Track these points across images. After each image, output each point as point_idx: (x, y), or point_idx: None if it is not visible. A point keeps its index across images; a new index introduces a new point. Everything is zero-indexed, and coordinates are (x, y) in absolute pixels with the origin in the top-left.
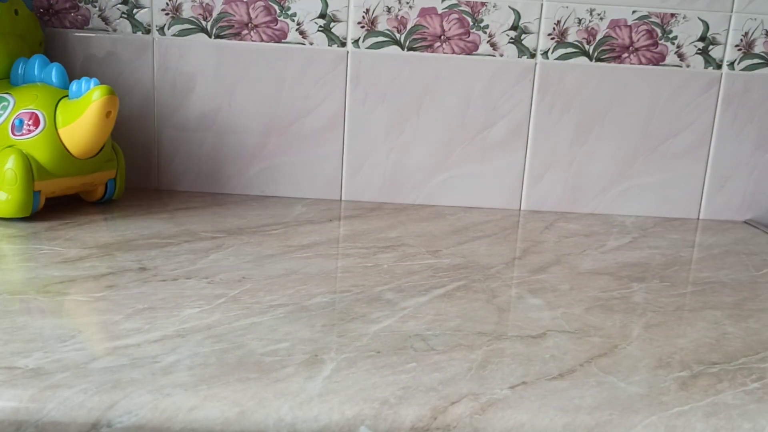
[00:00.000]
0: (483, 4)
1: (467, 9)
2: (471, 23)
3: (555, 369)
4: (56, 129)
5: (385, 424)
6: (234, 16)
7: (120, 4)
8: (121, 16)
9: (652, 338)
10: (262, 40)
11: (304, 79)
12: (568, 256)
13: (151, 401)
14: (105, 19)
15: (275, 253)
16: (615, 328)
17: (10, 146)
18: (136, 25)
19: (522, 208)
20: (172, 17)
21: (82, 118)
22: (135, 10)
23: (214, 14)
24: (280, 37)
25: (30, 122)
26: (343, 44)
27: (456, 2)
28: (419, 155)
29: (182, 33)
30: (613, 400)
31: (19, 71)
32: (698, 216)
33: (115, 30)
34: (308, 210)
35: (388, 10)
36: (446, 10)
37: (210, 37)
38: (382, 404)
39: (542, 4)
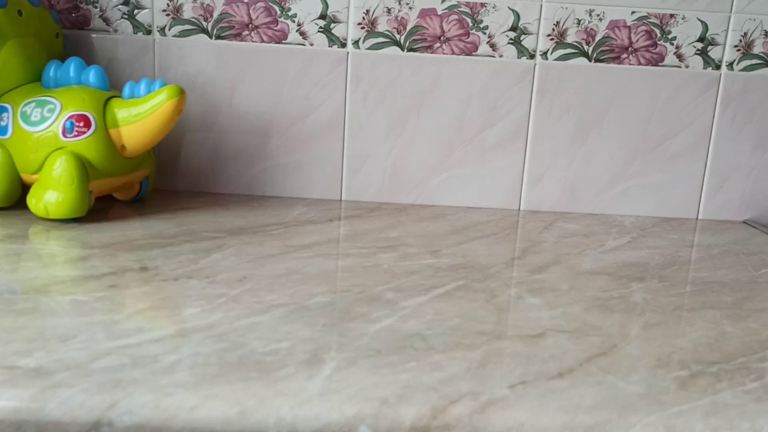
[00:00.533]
0: (482, 5)
1: (467, 10)
2: (470, 24)
3: (554, 368)
4: (106, 129)
5: (385, 423)
6: (234, 17)
7: (121, 4)
8: (122, 17)
9: (651, 338)
10: (262, 41)
11: (305, 79)
12: (567, 256)
13: (152, 400)
14: (106, 20)
15: (276, 253)
16: (614, 327)
17: (60, 148)
18: (137, 26)
19: (521, 208)
20: (173, 18)
21: (150, 117)
22: (136, 11)
23: (215, 15)
24: (280, 38)
25: (81, 124)
26: (344, 45)
27: (455, 3)
28: (419, 155)
29: (183, 34)
30: (612, 399)
31: (51, 74)
32: (697, 216)
33: (116, 31)
34: (308, 210)
35: (388, 11)
36: (446, 11)
37: (211, 37)
38: (382, 403)
39: (541, 5)
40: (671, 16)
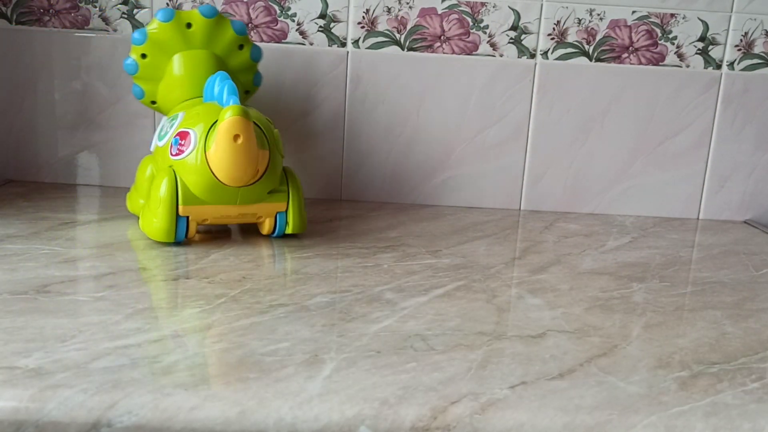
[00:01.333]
0: (483, 4)
1: (467, 9)
2: (471, 23)
3: (555, 369)
4: (205, 151)
5: (385, 423)
6: (234, 16)
7: (120, 4)
8: (121, 17)
9: (652, 338)
10: (262, 41)
11: (304, 79)
12: (567, 256)
13: (151, 401)
14: (105, 20)
15: (275, 253)
16: (615, 328)
17: (169, 166)
18: (137, 26)
19: (522, 208)
20: None
21: (215, 141)
22: (135, 11)
23: None
24: (280, 38)
25: (182, 142)
26: (343, 44)
27: (456, 2)
28: (419, 155)
29: None
30: (612, 400)
31: (206, 89)
32: (698, 216)
33: (115, 30)
34: (309, 210)
35: (388, 10)
36: (446, 10)
37: None
38: (382, 404)
39: (542, 5)
40: (672, 15)
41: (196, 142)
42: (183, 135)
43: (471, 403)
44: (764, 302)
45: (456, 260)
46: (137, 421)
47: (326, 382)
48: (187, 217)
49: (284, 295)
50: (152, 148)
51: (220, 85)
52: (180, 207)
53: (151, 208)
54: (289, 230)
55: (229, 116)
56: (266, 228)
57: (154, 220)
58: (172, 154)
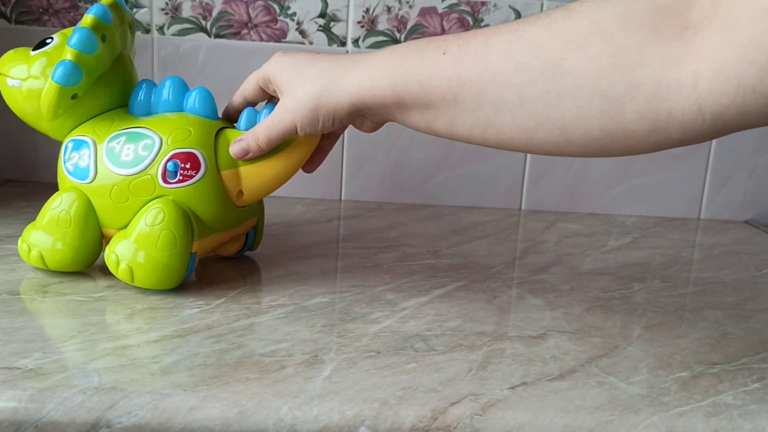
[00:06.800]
0: (483, 3)
1: (467, 9)
2: (471, 23)
3: (555, 369)
4: (218, 172)
5: (385, 424)
6: (234, 15)
7: None
8: None
9: (653, 338)
10: (261, 40)
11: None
12: (568, 256)
13: (150, 401)
14: None
15: (275, 253)
16: (616, 328)
17: (159, 196)
18: (136, 26)
19: (522, 208)
20: (172, 17)
21: (279, 156)
22: (134, 10)
23: (214, 14)
24: (279, 37)
25: (187, 166)
26: (343, 44)
27: (456, 2)
28: (419, 155)
29: (182, 32)
30: (613, 400)
31: (140, 97)
32: (699, 216)
33: None
34: (308, 210)
35: (388, 9)
36: (446, 9)
37: (210, 36)
38: (382, 405)
39: (542, 4)
40: None
41: (206, 163)
42: (185, 157)
43: (471, 404)
44: (765, 302)
45: (456, 260)
46: (137, 421)
47: (326, 382)
48: (195, 254)
49: (284, 295)
50: (88, 179)
51: (187, 92)
52: (194, 243)
53: (148, 249)
54: (255, 247)
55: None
56: (235, 248)
57: (156, 262)
58: (168, 182)
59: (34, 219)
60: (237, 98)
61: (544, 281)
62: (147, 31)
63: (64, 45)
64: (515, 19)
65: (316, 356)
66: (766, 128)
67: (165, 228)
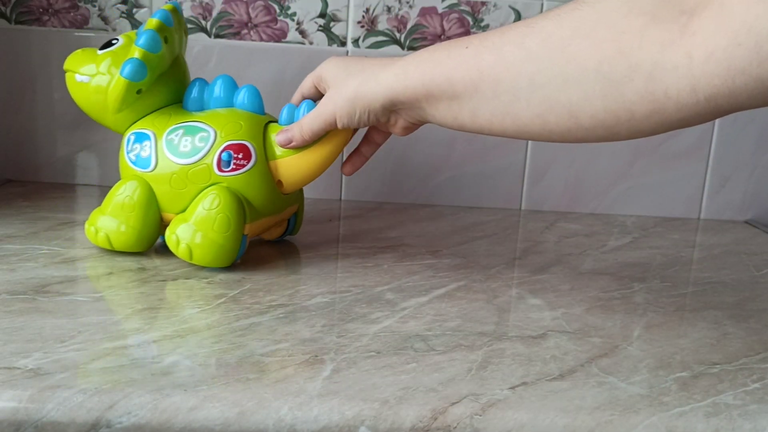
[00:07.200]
0: (483, 3)
1: (467, 8)
2: (471, 23)
3: (555, 369)
4: (266, 162)
5: (385, 424)
6: (234, 15)
7: (119, 3)
8: (120, 16)
9: (653, 338)
10: (261, 40)
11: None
12: (568, 256)
13: (150, 401)
14: (104, 19)
15: (275, 253)
16: (616, 328)
17: (214, 184)
18: (136, 25)
19: (522, 208)
20: None
21: (316, 147)
22: (135, 10)
23: (214, 14)
24: (279, 37)
25: (240, 156)
26: (343, 44)
27: (456, 2)
28: (419, 155)
29: None
30: (613, 400)
31: (194, 94)
32: (699, 216)
33: (114, 29)
34: (308, 210)
35: (388, 9)
36: (446, 9)
37: (210, 36)
38: (382, 405)
39: (542, 3)
40: None
41: (256, 153)
42: (238, 148)
43: (471, 404)
44: (765, 302)
45: (456, 260)
46: (136, 421)
47: (326, 382)
48: (246, 236)
49: (284, 295)
50: (150, 167)
51: (237, 90)
52: (246, 225)
53: (205, 231)
54: (295, 231)
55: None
56: (277, 232)
57: (212, 242)
58: (223, 171)
59: (34, 219)
60: (296, 96)
61: (544, 281)
62: None
63: (130, 46)
64: (515, 19)
65: (316, 356)
66: (766, 128)
67: (221, 212)
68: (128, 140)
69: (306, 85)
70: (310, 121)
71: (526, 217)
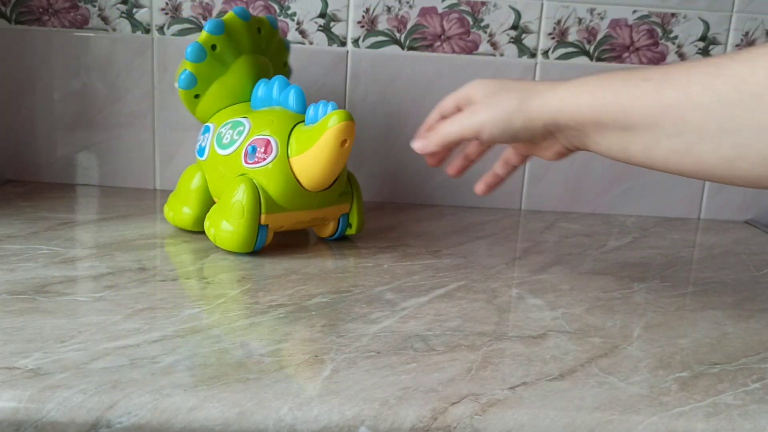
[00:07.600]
0: (483, 3)
1: (467, 8)
2: (471, 23)
3: (555, 369)
4: (288, 158)
5: (385, 424)
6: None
7: (119, 3)
8: (120, 16)
9: (653, 338)
10: None
11: (304, 78)
12: (568, 256)
13: (150, 401)
14: (104, 19)
15: (275, 253)
16: (616, 328)
17: (242, 174)
18: (136, 25)
19: (522, 208)
20: (172, 17)
21: (315, 146)
22: (134, 10)
23: (214, 14)
24: None
25: (262, 149)
26: (343, 44)
27: (456, 2)
28: (419, 155)
29: (182, 33)
30: (613, 400)
31: (258, 94)
32: (699, 216)
33: (114, 29)
34: None
35: (388, 9)
36: (446, 9)
37: None
38: (382, 405)
39: (543, 4)
40: (673, 15)
41: (278, 149)
42: (262, 142)
43: (471, 404)
44: (765, 302)
45: (456, 260)
46: (136, 421)
47: (326, 382)
48: (267, 226)
49: (284, 295)
50: (204, 156)
51: (284, 89)
52: (262, 216)
53: (227, 218)
54: (352, 231)
55: (336, 122)
56: (329, 230)
57: (230, 229)
58: (248, 162)
59: (34, 219)
60: (434, 114)
61: (544, 281)
62: (147, 31)
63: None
64: (515, 19)
65: (316, 356)
66: None
67: (238, 200)
68: (201, 132)
69: (447, 106)
70: (446, 131)
71: (526, 217)
